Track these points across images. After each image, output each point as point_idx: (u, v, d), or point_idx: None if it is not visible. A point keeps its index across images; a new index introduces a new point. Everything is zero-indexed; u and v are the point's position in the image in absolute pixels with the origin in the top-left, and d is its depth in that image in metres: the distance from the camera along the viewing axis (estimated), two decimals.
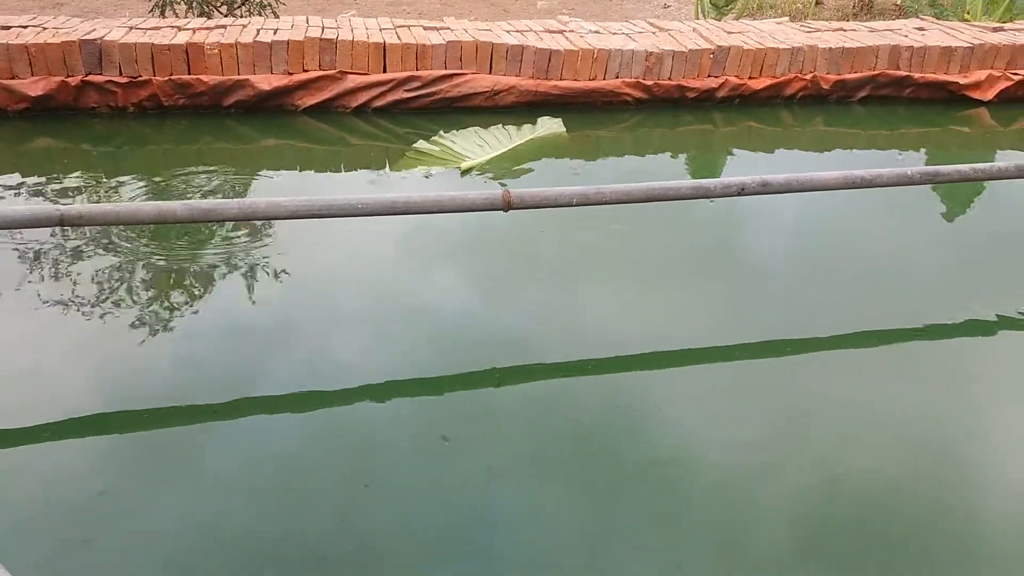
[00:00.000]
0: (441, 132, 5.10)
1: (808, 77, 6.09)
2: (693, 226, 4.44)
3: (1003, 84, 6.42)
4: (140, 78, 5.17)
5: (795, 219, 4.54)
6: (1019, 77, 6.44)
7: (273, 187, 4.70)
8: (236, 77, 5.24)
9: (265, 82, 5.27)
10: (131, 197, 4.40)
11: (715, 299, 3.71)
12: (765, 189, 3.47)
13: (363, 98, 5.41)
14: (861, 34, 6.48)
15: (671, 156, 5.49)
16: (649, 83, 5.77)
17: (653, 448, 2.77)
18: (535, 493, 2.58)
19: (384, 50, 5.37)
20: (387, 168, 4.95)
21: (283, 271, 3.71)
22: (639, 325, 3.45)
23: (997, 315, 3.61)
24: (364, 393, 2.98)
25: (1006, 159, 5.63)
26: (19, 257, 3.71)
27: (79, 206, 2.89)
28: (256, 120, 5.36)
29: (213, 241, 3.94)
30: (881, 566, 2.36)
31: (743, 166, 5.42)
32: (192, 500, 2.49)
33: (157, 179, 4.69)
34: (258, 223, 4.05)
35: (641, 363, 3.21)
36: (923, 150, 5.90)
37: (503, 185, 4.66)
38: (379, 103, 5.45)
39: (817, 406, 3.02)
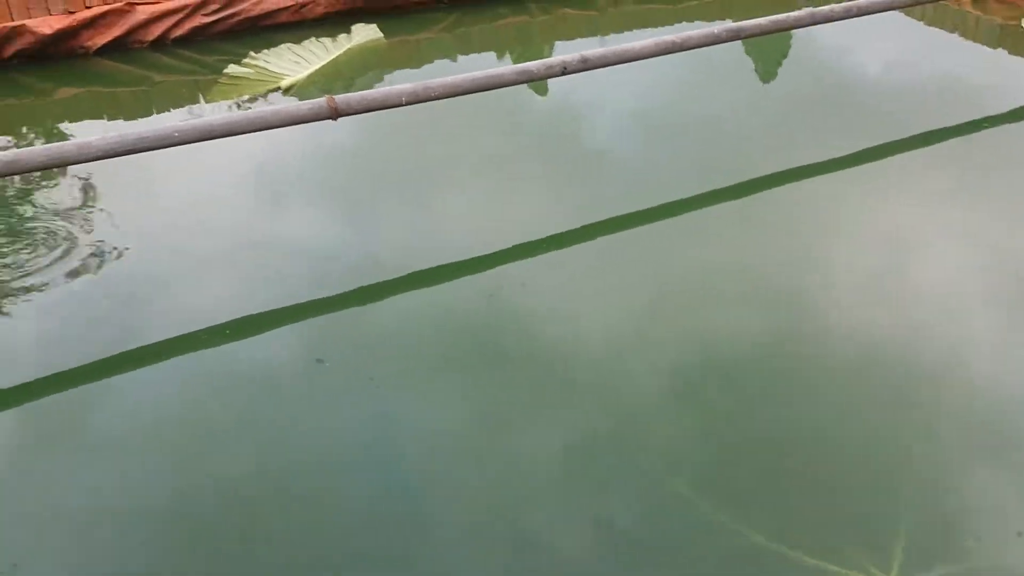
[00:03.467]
0: (252, 53, 4.85)
1: None
2: (528, 116, 4.49)
3: None
4: None
5: (624, 95, 4.64)
6: None
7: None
8: (10, 24, 4.75)
9: (45, 25, 4.81)
10: None
11: (564, 183, 3.76)
12: (585, 65, 3.54)
13: (159, 30, 5.04)
14: None
15: (495, 52, 5.47)
16: None
17: (530, 333, 2.83)
18: (421, 395, 2.60)
19: None
20: (201, 101, 4.69)
21: (122, 220, 3.48)
22: (497, 220, 3.46)
23: (823, 160, 3.85)
24: (228, 330, 2.87)
25: None
26: None
27: None
28: (45, 69, 4.91)
29: (42, 197, 3.64)
30: (743, 411, 2.50)
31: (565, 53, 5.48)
32: (77, 464, 2.39)
33: None
34: (88, 174, 3.76)
35: (506, 257, 3.24)
36: (728, 20, 6.15)
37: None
38: (178, 32, 5.10)
39: (676, 269, 3.17)
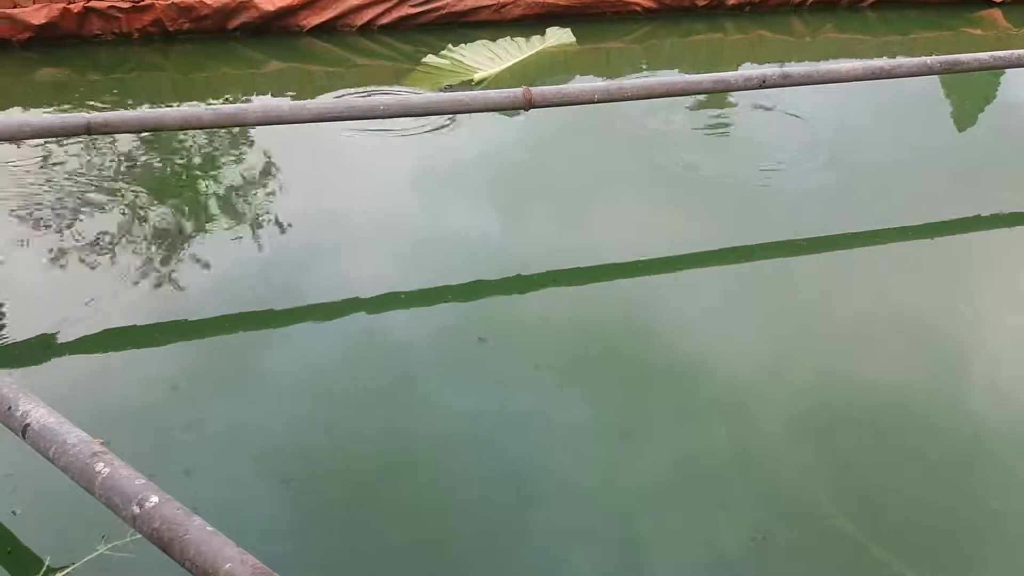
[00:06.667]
0: (450, 46, 5.05)
1: None
2: (706, 129, 4.40)
3: None
4: (143, 3, 5.10)
5: (804, 119, 4.46)
6: None
7: None
8: None
9: (268, 3, 5.20)
10: None
11: (724, 204, 3.66)
12: (786, 81, 3.45)
13: (368, 16, 5.33)
14: None
15: (682, 66, 5.43)
16: None
17: (670, 348, 2.79)
18: (564, 390, 2.61)
19: None
20: (396, 87, 4.90)
21: (306, 188, 3.71)
22: (655, 230, 3.42)
23: (1006, 212, 3.58)
24: (403, 295, 2.99)
25: None
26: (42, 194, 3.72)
27: (106, 114, 2.87)
28: (262, 43, 5.30)
29: (233, 159, 3.94)
30: (874, 459, 2.36)
31: None
32: (241, 395, 2.56)
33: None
34: (272, 144, 4.02)
35: (659, 267, 3.22)
36: (934, 54, 5.82)
37: None
38: (384, 20, 5.38)
39: (827, 305, 3.02)
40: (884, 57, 5.62)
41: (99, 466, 1.77)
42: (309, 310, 2.92)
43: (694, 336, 2.84)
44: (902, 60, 3.61)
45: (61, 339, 2.72)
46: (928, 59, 3.67)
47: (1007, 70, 4.83)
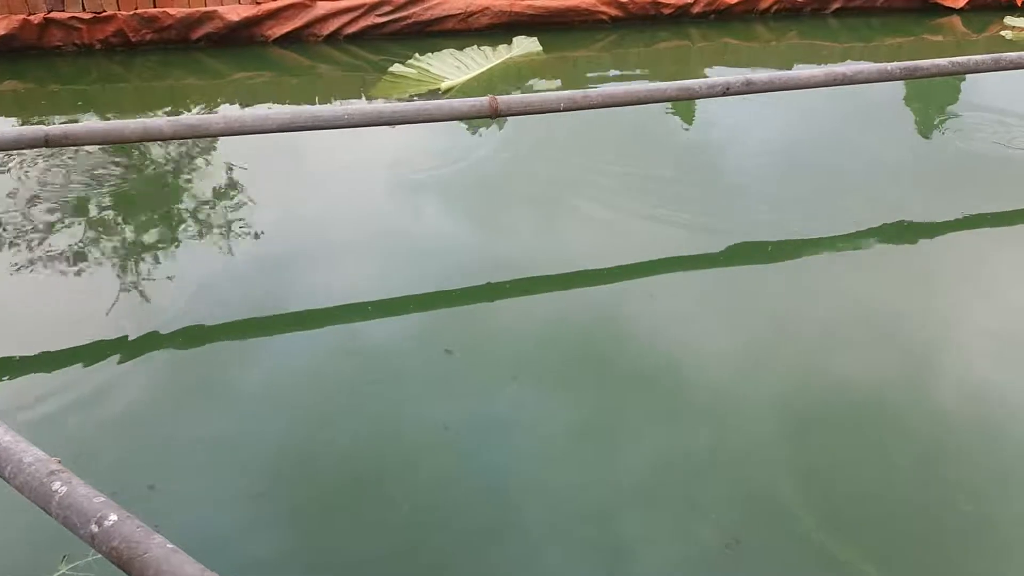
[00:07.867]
0: (416, 55, 5.04)
1: None
2: (669, 140, 4.43)
3: None
4: (104, 13, 5.04)
5: (769, 124, 4.52)
6: None
7: None
8: (203, 9, 5.12)
9: (233, 13, 5.16)
10: None
11: (693, 208, 3.65)
12: (749, 88, 3.48)
13: (334, 25, 5.32)
14: None
15: (649, 74, 5.46)
16: (624, 0, 5.72)
17: (643, 354, 2.79)
18: (536, 398, 2.60)
19: None
20: (363, 97, 4.89)
21: (273, 198, 3.68)
22: (625, 236, 3.43)
23: (969, 215, 3.63)
24: (370, 307, 2.97)
25: None
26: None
27: (65, 126, 2.83)
28: (226, 53, 5.25)
29: (196, 170, 3.89)
30: (848, 462, 2.37)
31: None
32: (212, 407, 2.54)
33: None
34: (236, 154, 3.98)
35: (629, 272, 3.22)
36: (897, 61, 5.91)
37: None
38: (351, 30, 5.36)
39: (799, 306, 3.05)
40: (848, 61, 5.70)
41: (56, 484, 1.73)
42: (276, 321, 2.89)
43: (667, 342, 2.84)
44: (863, 66, 3.65)
45: (21, 353, 2.67)
46: (889, 65, 3.72)
47: (967, 75, 4.91)
